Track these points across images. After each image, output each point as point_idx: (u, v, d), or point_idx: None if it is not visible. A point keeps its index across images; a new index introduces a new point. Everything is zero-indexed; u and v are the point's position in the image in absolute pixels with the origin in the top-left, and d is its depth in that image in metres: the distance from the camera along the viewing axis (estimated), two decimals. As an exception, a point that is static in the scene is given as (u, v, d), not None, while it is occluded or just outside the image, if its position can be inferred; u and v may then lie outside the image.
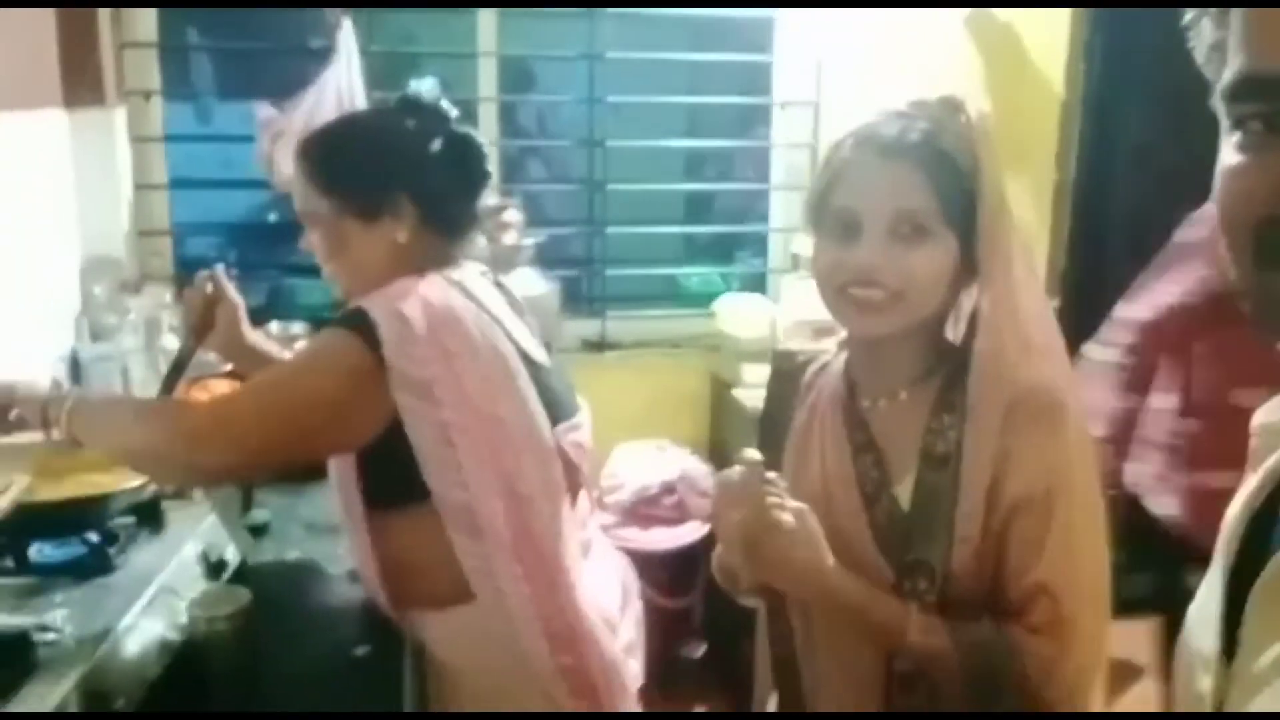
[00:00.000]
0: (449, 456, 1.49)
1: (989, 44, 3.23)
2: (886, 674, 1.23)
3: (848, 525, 1.23)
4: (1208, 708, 0.72)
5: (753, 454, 1.16)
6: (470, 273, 1.65)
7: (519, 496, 1.53)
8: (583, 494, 1.72)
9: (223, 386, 2.42)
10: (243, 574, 1.72)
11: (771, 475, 1.16)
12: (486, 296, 1.61)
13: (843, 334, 1.31)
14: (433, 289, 1.53)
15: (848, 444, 1.26)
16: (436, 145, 1.64)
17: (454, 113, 1.68)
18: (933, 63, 3.12)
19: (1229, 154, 0.68)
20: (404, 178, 1.60)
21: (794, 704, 1.32)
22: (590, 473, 1.75)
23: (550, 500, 1.58)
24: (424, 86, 1.67)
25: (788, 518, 1.14)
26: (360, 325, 1.46)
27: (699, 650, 3.11)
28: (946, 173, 1.17)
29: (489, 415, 1.51)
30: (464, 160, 1.67)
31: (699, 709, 3.07)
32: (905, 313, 1.19)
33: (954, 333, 1.27)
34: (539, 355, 1.66)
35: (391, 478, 1.52)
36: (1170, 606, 1.79)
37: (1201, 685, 0.74)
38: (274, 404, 1.48)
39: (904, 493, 1.22)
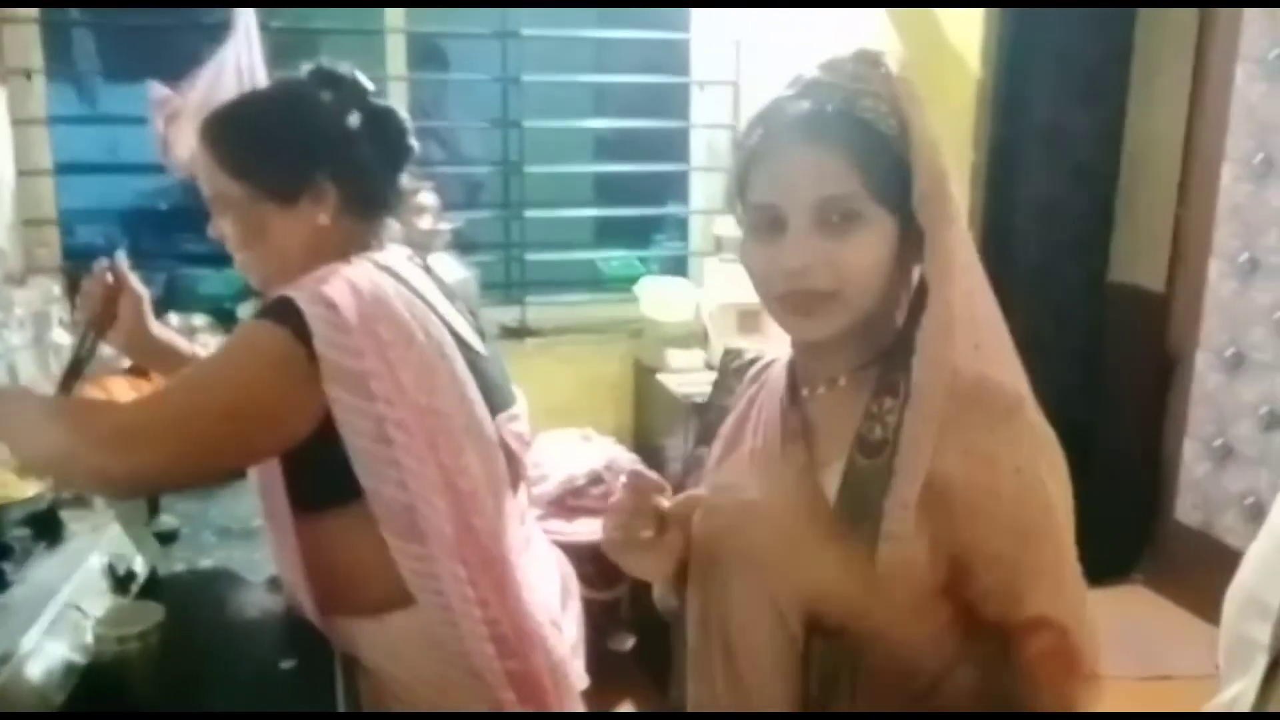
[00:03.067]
0: (386, 453, 1.39)
1: (908, 22, 3.21)
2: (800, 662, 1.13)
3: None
4: (1259, 653, 0.72)
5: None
6: (397, 257, 1.55)
7: (461, 493, 1.44)
8: (522, 487, 1.64)
9: (121, 385, 2.28)
10: (153, 586, 1.59)
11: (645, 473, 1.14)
12: (418, 281, 1.52)
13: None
14: (361, 274, 1.43)
15: (779, 433, 1.17)
16: (355, 120, 1.53)
17: (371, 86, 1.58)
18: (852, 41, 3.08)
19: None
20: (323, 156, 1.49)
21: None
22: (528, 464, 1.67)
23: (494, 496, 1.49)
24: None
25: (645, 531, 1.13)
26: (287, 316, 1.36)
27: (628, 643, 3.05)
28: (870, 145, 1.05)
29: (427, 408, 1.41)
30: (385, 136, 1.56)
31: (629, 703, 3.02)
32: (846, 311, 1.07)
33: (900, 316, 1.16)
34: (476, 342, 1.57)
35: (321, 478, 1.42)
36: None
37: (1256, 632, 0.73)
38: (197, 405, 1.36)
39: (831, 479, 1.10)
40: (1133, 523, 3.61)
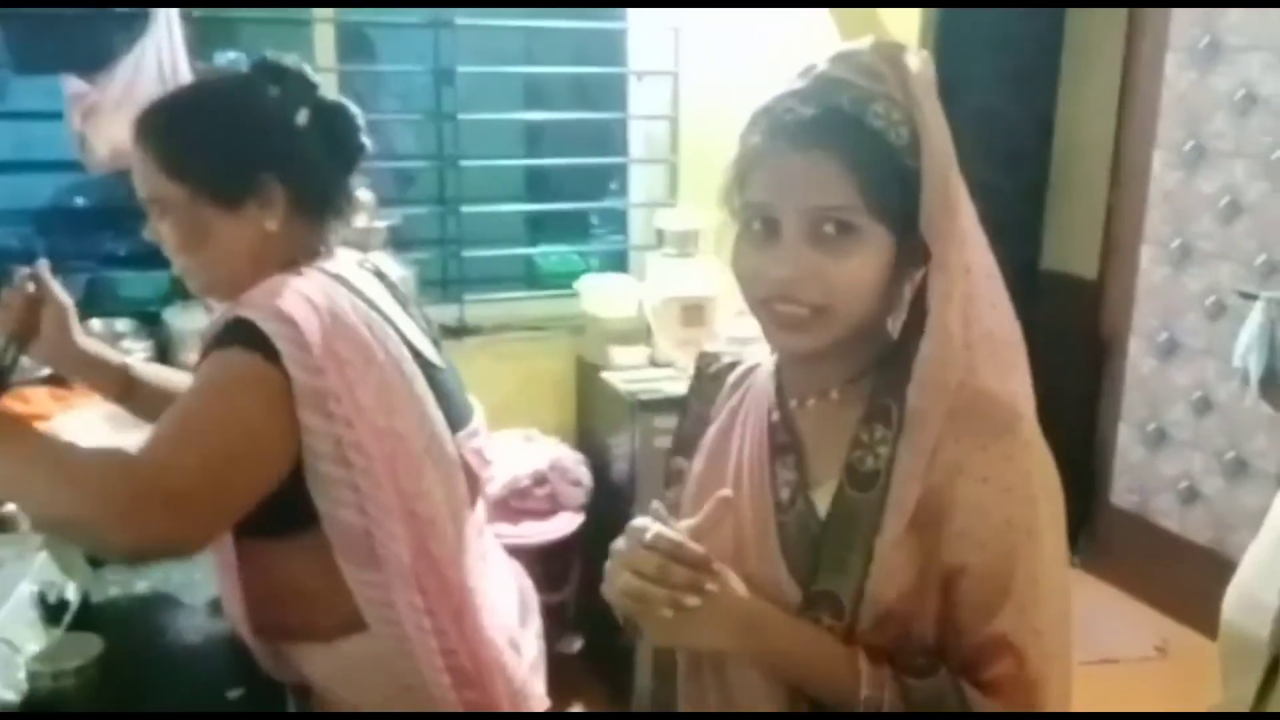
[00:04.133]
0: (344, 476, 1.32)
1: (845, 10, 3.19)
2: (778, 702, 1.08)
3: (755, 543, 1.08)
4: (1260, 653, 0.72)
5: (643, 522, 1.00)
6: (349, 264, 1.46)
7: (420, 519, 1.37)
8: (480, 503, 1.57)
9: (42, 395, 2.17)
10: (87, 615, 1.50)
11: (673, 537, 0.98)
12: (372, 291, 1.44)
13: (735, 326, 1.15)
14: (315, 288, 1.34)
15: (767, 446, 1.11)
16: (303, 117, 1.44)
17: (318, 80, 1.49)
18: (789, 28, 3.07)
19: None
20: (271, 156, 1.40)
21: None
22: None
23: (454, 519, 1.43)
24: (230, 58, 1.47)
25: (691, 600, 0.96)
26: (252, 341, 1.27)
27: (575, 645, 3.01)
28: (874, 156, 0.98)
29: (386, 429, 1.34)
30: (335, 133, 1.47)
31: (579, 706, 2.97)
32: (833, 327, 1.01)
33: (894, 323, 1.11)
34: (433, 354, 1.50)
35: (269, 505, 1.32)
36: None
37: (1255, 631, 0.72)
38: (213, 454, 1.25)
39: (822, 500, 1.05)
40: (1069, 507, 3.65)
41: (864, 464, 1.03)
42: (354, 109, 1.49)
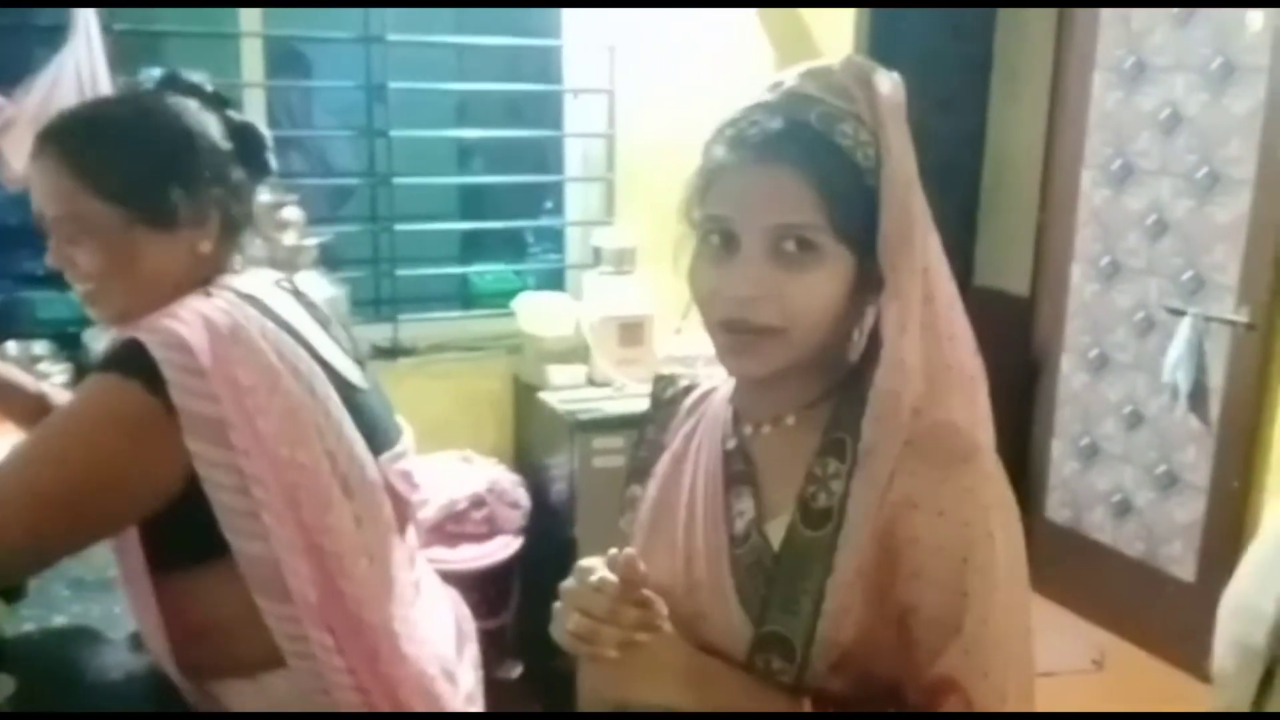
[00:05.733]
0: (247, 507, 1.26)
1: (779, 28, 3.21)
2: None
3: (708, 577, 1.04)
4: (1256, 658, 0.71)
5: (590, 562, 0.98)
6: (263, 282, 1.41)
7: (326, 554, 1.31)
8: (410, 528, 1.52)
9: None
10: (0, 652, 1.43)
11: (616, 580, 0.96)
12: (287, 311, 1.39)
13: (673, 344, 1.12)
14: (220, 309, 1.29)
15: (721, 475, 1.07)
16: (221, 134, 1.39)
17: (227, 97, 1.45)
18: (725, 46, 3.08)
19: None
20: (205, 174, 1.34)
21: None
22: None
23: (374, 551, 1.37)
24: (157, 74, 1.42)
25: (642, 637, 0.96)
26: (136, 365, 1.22)
27: (515, 670, 2.96)
28: (839, 175, 0.96)
29: (289, 461, 1.28)
30: (248, 151, 1.42)
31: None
32: (787, 350, 0.98)
33: (855, 348, 1.07)
34: (354, 376, 1.45)
35: (181, 534, 1.28)
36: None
37: (1252, 638, 0.72)
38: (48, 483, 1.21)
39: (777, 533, 1.02)
40: (1006, 522, 3.68)
41: (817, 500, 1.00)
42: (261, 127, 1.45)
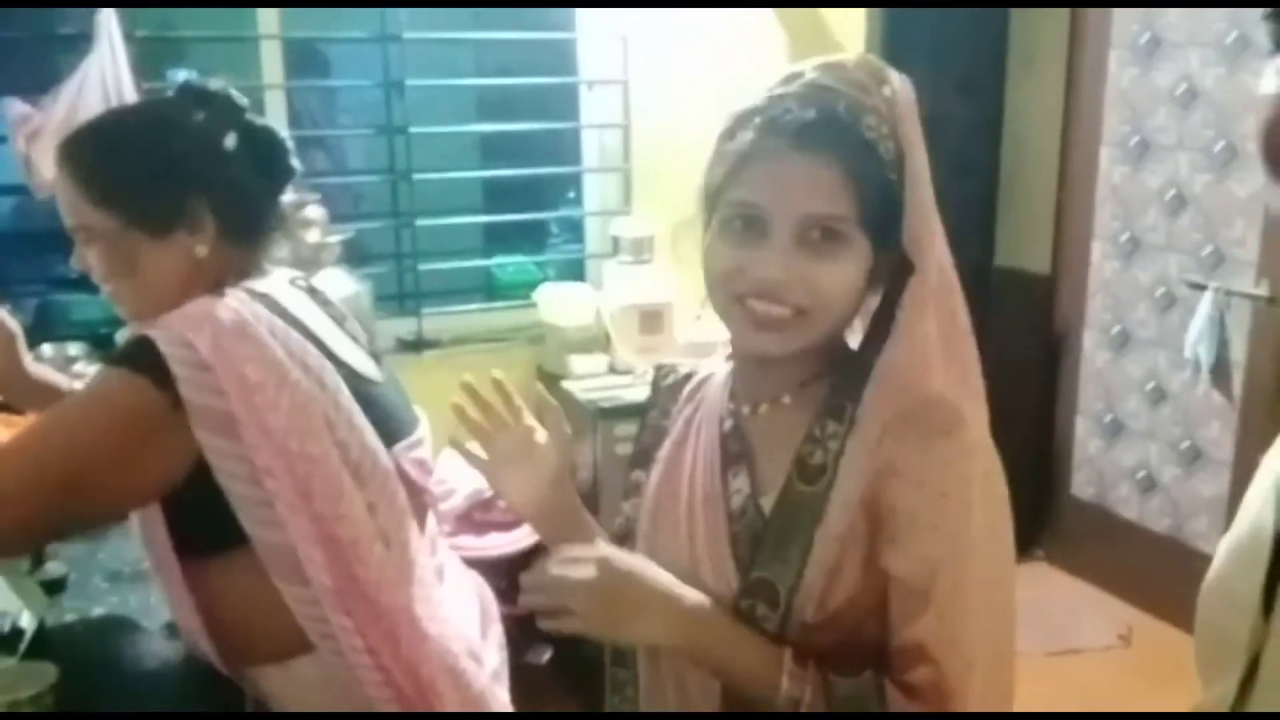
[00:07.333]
0: (261, 497, 1.31)
1: (793, 17, 3.22)
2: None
3: (708, 550, 1.07)
4: (1239, 650, 0.71)
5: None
6: (278, 283, 1.45)
7: (341, 543, 1.35)
8: (430, 516, 1.56)
9: (-8, 423, 2.13)
10: (42, 642, 1.48)
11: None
12: (300, 309, 1.43)
13: (693, 331, 1.15)
14: (229, 308, 1.33)
15: (719, 458, 1.10)
16: (231, 141, 1.43)
17: (245, 102, 1.49)
18: (738, 34, 3.09)
19: None
20: (199, 182, 1.39)
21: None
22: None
23: (389, 536, 1.41)
24: (181, 77, 1.47)
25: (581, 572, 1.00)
26: (145, 361, 1.27)
27: (545, 655, 3.00)
28: (868, 168, 0.98)
29: (299, 454, 1.32)
30: (263, 156, 1.47)
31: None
32: (809, 331, 1.02)
33: (856, 334, 1.11)
34: (367, 369, 1.49)
35: (204, 523, 1.33)
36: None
37: (1234, 629, 0.72)
38: (51, 464, 1.27)
39: (770, 504, 1.05)
40: (1031, 501, 3.69)
41: (813, 457, 1.03)
42: (282, 132, 1.50)
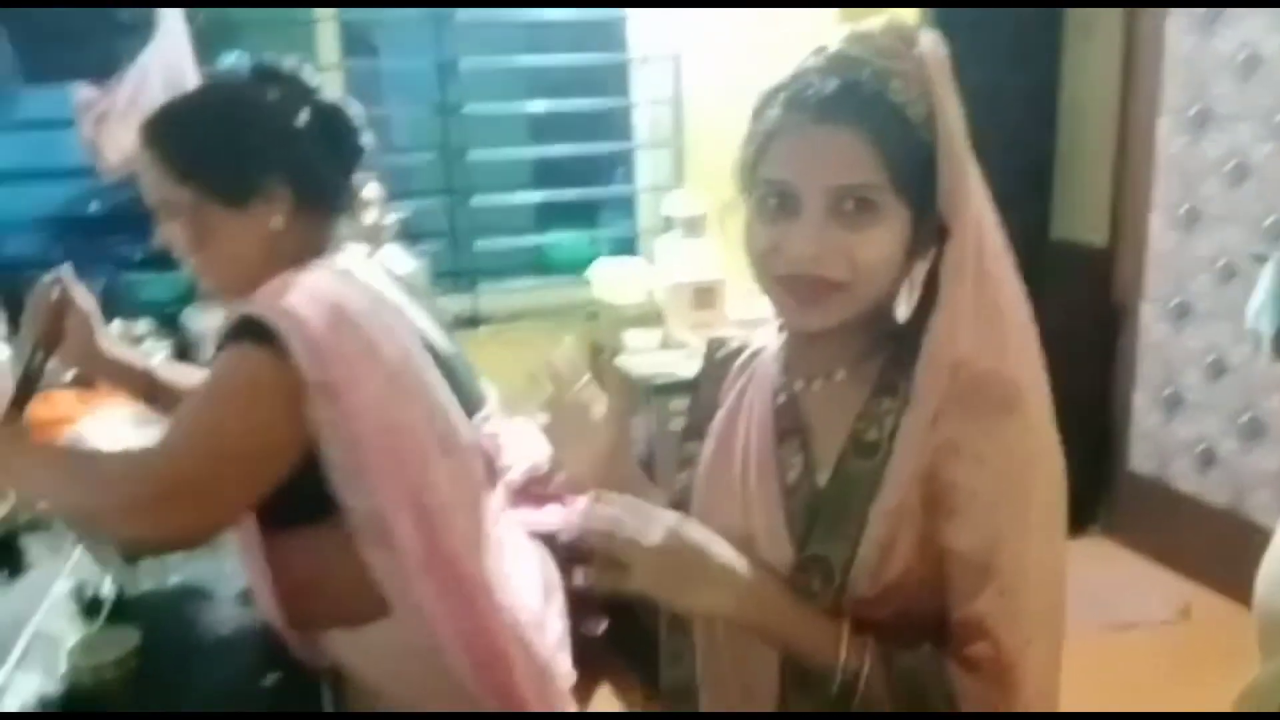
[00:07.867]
0: (355, 466, 1.35)
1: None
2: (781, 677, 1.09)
3: (763, 523, 1.08)
4: None
5: None
6: (356, 258, 1.49)
7: (427, 509, 1.39)
8: (500, 487, 1.60)
9: (69, 398, 2.20)
10: (122, 609, 1.53)
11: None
12: (380, 283, 1.47)
13: (745, 307, 1.16)
14: (320, 283, 1.37)
15: (772, 431, 1.11)
16: (304, 118, 1.47)
17: (317, 81, 1.52)
18: (790, 9, 3.08)
19: None
20: (274, 156, 1.43)
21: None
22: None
23: (468, 507, 1.45)
24: (233, 59, 1.52)
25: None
26: (261, 336, 1.31)
27: (600, 626, 3.03)
28: (897, 132, 0.98)
29: (392, 424, 1.36)
30: (336, 133, 1.51)
31: (606, 686, 2.99)
32: (851, 304, 1.02)
33: (904, 305, 1.11)
34: (444, 343, 1.52)
35: (290, 495, 1.36)
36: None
37: None
38: (213, 454, 1.31)
39: (826, 480, 1.06)
40: (1088, 475, 3.66)
41: (868, 434, 1.04)
42: (352, 108, 1.53)
